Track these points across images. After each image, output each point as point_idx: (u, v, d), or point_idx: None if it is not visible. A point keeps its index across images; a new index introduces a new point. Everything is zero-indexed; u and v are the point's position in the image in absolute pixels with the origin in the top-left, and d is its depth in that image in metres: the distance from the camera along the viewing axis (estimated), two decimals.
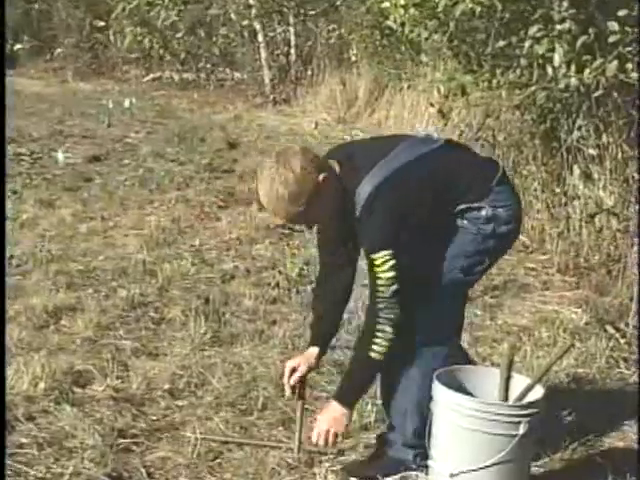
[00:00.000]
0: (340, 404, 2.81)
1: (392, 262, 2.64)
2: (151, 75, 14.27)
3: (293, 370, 2.99)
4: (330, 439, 2.81)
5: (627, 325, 4.24)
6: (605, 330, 4.20)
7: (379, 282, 2.67)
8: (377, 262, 2.66)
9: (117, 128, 9.96)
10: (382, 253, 2.65)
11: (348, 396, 2.83)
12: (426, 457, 2.73)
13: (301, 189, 2.66)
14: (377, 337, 2.68)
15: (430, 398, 2.68)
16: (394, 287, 2.65)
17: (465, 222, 2.76)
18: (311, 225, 2.93)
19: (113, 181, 7.28)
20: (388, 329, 2.67)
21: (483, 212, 2.74)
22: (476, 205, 2.74)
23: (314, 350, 3.03)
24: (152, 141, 9.24)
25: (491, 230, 2.76)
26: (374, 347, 2.69)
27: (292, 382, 2.98)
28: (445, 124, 6.94)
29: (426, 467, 2.73)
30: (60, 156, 8.03)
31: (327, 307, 3.04)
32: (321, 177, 2.69)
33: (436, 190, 2.74)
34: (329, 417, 2.81)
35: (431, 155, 2.80)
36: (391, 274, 2.65)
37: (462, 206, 2.74)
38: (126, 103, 11.22)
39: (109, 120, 10.17)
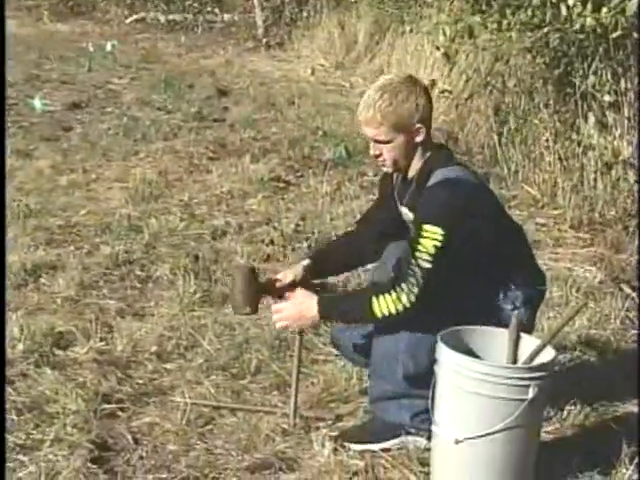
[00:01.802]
0: (318, 305, 2.82)
1: (439, 243, 2.66)
2: (134, 16, 14.12)
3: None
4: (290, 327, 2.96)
5: None
6: (620, 289, 4.22)
7: (418, 254, 2.68)
8: (426, 234, 2.68)
9: (99, 73, 9.89)
10: (436, 228, 2.67)
11: (330, 308, 2.86)
12: (426, 420, 2.74)
13: (400, 109, 2.75)
14: (390, 296, 2.68)
15: (426, 348, 2.69)
16: (429, 265, 2.66)
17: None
18: (380, 155, 2.86)
19: (95, 130, 7.24)
20: (404, 299, 2.67)
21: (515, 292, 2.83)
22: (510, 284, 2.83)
23: (305, 261, 3.12)
24: (136, 87, 9.17)
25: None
26: (380, 302, 2.69)
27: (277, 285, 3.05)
28: (451, 69, 6.90)
29: (427, 432, 2.74)
30: (37, 103, 7.97)
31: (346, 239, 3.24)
32: (418, 126, 2.79)
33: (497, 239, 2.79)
34: (300, 309, 2.87)
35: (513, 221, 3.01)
36: (432, 251, 2.66)
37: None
38: (108, 46, 11.13)
39: (90, 64, 10.08)
